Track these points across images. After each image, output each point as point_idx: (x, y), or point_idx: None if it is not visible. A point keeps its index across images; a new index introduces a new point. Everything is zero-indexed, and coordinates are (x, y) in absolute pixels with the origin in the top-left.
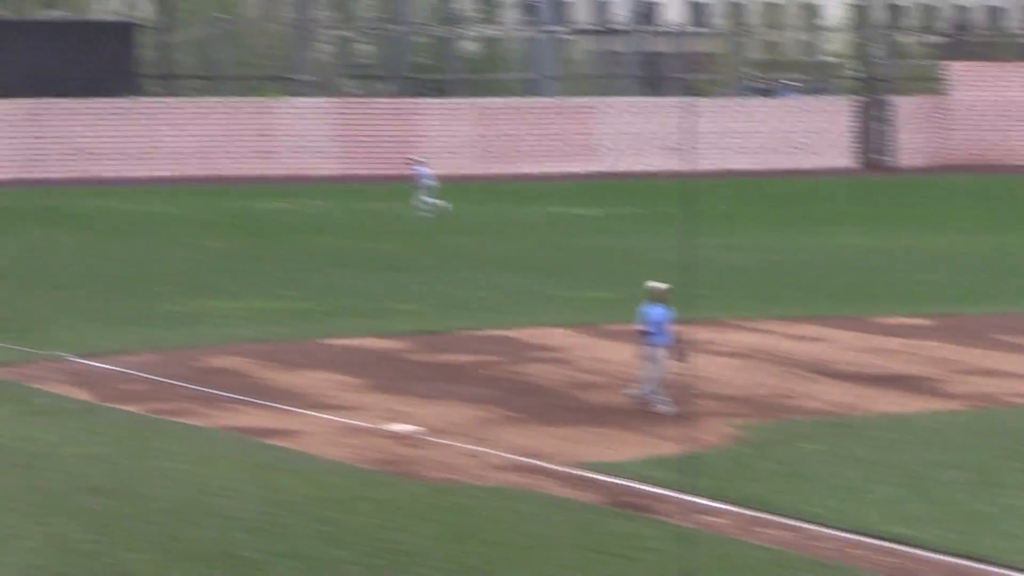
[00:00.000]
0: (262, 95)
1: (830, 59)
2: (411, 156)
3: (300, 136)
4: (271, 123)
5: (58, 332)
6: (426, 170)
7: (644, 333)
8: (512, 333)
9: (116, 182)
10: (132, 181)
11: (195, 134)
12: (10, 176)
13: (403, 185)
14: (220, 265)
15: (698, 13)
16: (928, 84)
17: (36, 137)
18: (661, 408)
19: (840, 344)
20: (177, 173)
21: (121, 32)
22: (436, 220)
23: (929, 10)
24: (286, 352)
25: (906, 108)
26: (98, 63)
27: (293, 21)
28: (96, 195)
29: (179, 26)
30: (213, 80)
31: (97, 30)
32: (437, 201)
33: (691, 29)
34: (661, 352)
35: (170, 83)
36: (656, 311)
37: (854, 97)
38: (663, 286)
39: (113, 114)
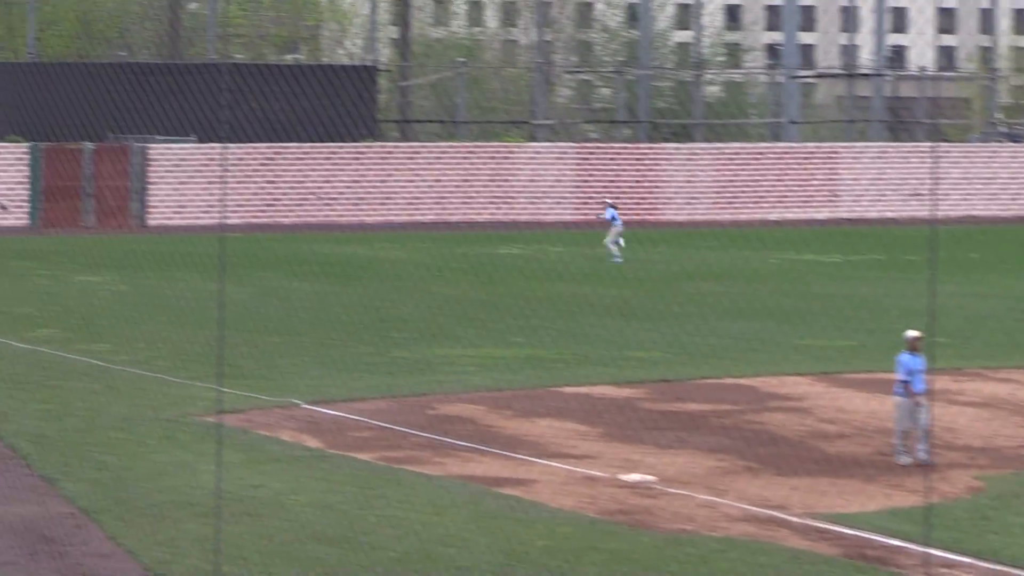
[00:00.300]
0: (500, 139)
1: None
2: (607, 199)
3: (538, 181)
4: (509, 168)
5: (291, 379)
6: (617, 214)
7: (902, 382)
8: (750, 381)
9: (350, 227)
10: (366, 226)
11: (431, 179)
12: (245, 221)
13: (636, 231)
14: (454, 311)
15: (947, 57)
16: None
17: (271, 182)
18: (901, 459)
19: None
20: (412, 218)
21: (365, 77)
22: (623, 265)
23: None
24: (519, 400)
25: None
26: (341, 108)
27: (533, 65)
28: (330, 240)
29: (417, 70)
30: (451, 124)
31: (341, 75)
32: (616, 245)
33: (939, 73)
34: (916, 401)
35: (407, 127)
36: (912, 359)
37: None
38: (916, 334)
39: (348, 158)
